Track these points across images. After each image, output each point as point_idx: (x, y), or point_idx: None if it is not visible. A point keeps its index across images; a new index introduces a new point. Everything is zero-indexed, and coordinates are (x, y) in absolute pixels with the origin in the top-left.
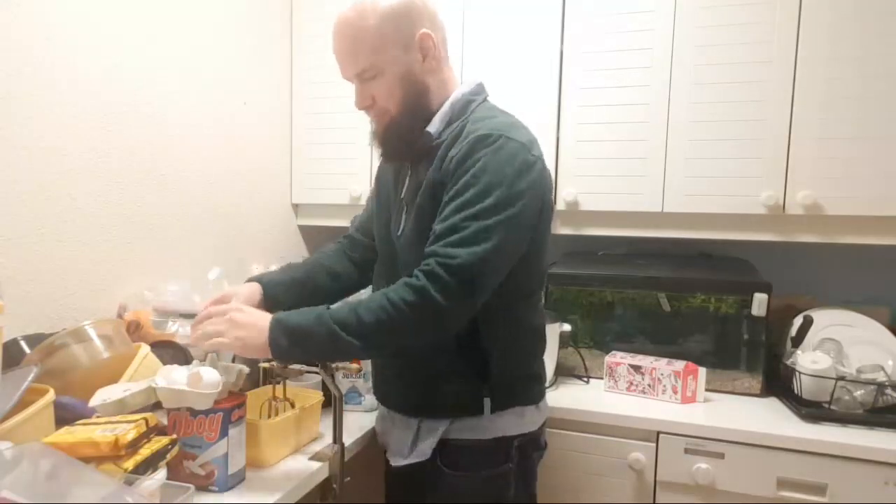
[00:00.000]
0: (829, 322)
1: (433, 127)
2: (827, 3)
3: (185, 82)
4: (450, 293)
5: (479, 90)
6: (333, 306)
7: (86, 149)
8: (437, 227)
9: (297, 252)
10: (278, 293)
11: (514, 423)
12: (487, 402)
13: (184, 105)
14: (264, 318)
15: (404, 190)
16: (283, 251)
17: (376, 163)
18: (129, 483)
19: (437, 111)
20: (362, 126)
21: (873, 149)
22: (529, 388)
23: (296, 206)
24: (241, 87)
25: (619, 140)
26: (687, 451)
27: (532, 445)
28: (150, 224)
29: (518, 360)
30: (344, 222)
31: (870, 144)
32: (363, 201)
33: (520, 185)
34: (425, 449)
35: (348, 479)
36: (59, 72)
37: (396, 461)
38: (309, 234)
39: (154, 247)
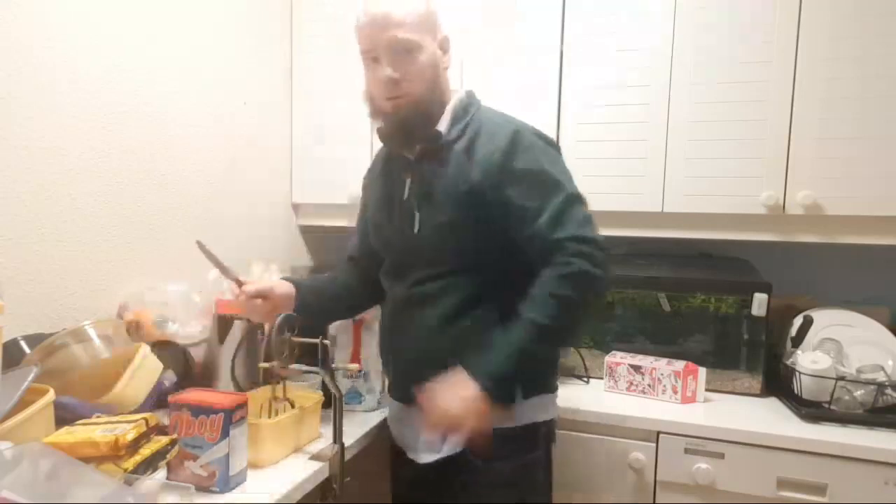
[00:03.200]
0: (829, 322)
1: (442, 126)
2: (827, 3)
3: (185, 82)
4: (599, 262)
5: (474, 95)
6: (513, 335)
7: (86, 149)
8: (541, 219)
9: (297, 252)
10: (311, 300)
11: (540, 409)
12: (518, 389)
13: (184, 105)
14: (476, 397)
15: (406, 192)
16: (283, 251)
17: None
18: (129, 483)
19: (438, 112)
20: (362, 126)
21: (873, 149)
22: (552, 376)
23: (296, 206)
24: (241, 87)
25: (619, 140)
26: (687, 451)
27: (553, 433)
28: (150, 224)
29: None
30: (344, 222)
31: (870, 144)
32: None
33: (560, 164)
34: (455, 441)
35: (348, 479)
36: (59, 72)
37: (427, 457)
38: (309, 234)
39: (154, 247)
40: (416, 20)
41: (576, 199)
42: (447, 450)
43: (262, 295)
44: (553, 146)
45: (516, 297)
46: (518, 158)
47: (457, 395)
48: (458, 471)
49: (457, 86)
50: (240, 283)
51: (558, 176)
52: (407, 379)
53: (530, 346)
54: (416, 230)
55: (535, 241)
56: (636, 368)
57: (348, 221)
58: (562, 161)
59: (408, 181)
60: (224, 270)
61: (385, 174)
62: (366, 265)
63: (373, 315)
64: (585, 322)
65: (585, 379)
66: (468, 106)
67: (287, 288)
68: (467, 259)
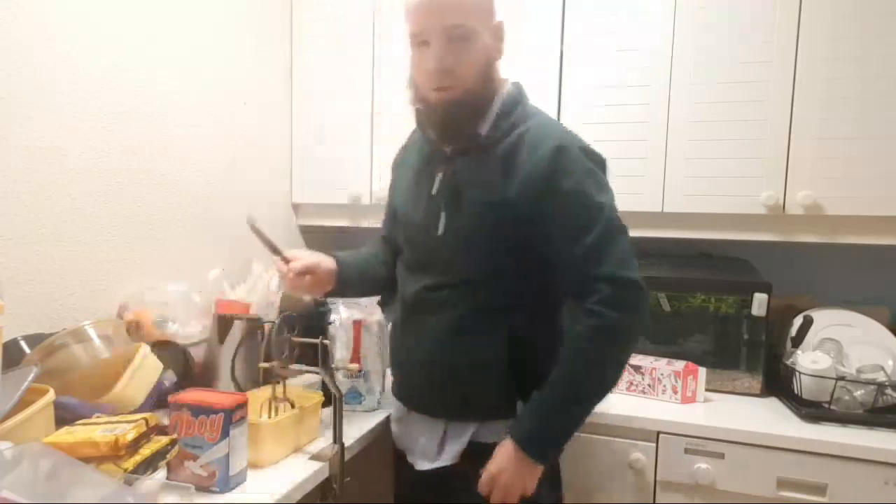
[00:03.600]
0: (829, 322)
1: (485, 127)
2: (827, 3)
3: (185, 82)
4: (634, 308)
5: (521, 89)
6: (550, 391)
7: (86, 149)
8: (577, 250)
9: None
10: (351, 277)
11: None
12: (520, 404)
13: (184, 105)
14: (521, 461)
15: (436, 187)
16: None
17: (376, 163)
18: (129, 483)
19: (488, 105)
20: (362, 126)
21: (873, 149)
22: None
23: (296, 206)
24: (241, 87)
25: (619, 140)
26: (687, 451)
27: None
28: (150, 224)
29: (552, 360)
30: (344, 222)
31: (870, 144)
32: (363, 201)
33: (605, 188)
34: (453, 452)
35: (348, 479)
36: (59, 72)
37: (422, 465)
38: (309, 234)
39: (154, 247)
40: (475, 3)
41: (617, 231)
42: (444, 460)
43: (309, 271)
44: (599, 164)
45: (529, 317)
46: (560, 178)
47: (502, 463)
48: (453, 481)
49: None
50: (287, 261)
51: (601, 201)
52: (411, 383)
53: (561, 410)
54: (439, 232)
55: (568, 271)
56: (636, 368)
57: (348, 221)
58: (607, 182)
59: (439, 176)
60: (274, 249)
61: (417, 160)
62: (395, 246)
63: (372, 316)
64: (618, 377)
65: None
66: (515, 103)
67: (330, 264)
68: (487, 271)
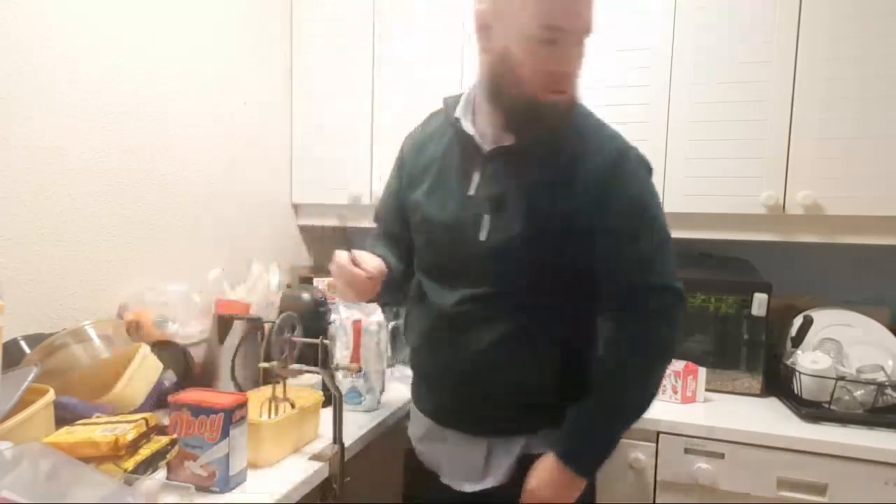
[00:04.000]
0: (829, 322)
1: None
2: (827, 3)
3: (185, 82)
4: (679, 319)
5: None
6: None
7: (86, 149)
8: (633, 259)
9: (297, 252)
10: (396, 277)
11: None
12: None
13: (184, 105)
14: (564, 476)
15: (474, 187)
16: (283, 251)
17: (376, 163)
18: (129, 483)
19: None
20: (362, 126)
21: (873, 149)
22: None
23: (296, 206)
24: (241, 87)
25: None
26: (687, 451)
27: None
28: (150, 224)
29: (589, 368)
30: (344, 222)
31: (870, 144)
32: (363, 201)
33: (656, 196)
34: (503, 470)
35: (348, 479)
36: (59, 72)
37: (467, 486)
38: (309, 234)
39: (154, 247)
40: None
41: (667, 240)
42: (492, 480)
43: (378, 276)
44: (650, 173)
45: (575, 326)
46: (621, 185)
47: (544, 478)
48: (502, 501)
49: (456, 86)
50: (356, 262)
51: (656, 212)
52: (450, 402)
53: (607, 423)
54: (482, 237)
55: (619, 280)
56: None
57: (348, 221)
58: (657, 192)
59: (476, 175)
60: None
61: (441, 155)
62: (407, 244)
63: (372, 316)
64: (661, 381)
65: None
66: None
67: (384, 269)
68: (538, 281)
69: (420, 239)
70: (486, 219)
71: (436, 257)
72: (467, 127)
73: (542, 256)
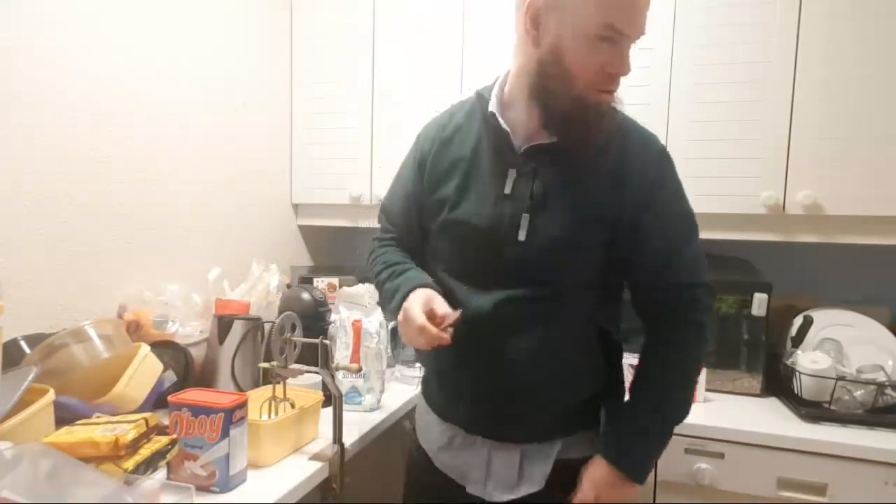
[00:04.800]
0: (829, 322)
1: None
2: (827, 3)
3: (186, 82)
4: (709, 311)
5: None
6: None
7: (86, 149)
8: (677, 261)
9: (297, 252)
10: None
11: None
12: (603, 413)
13: (184, 105)
14: (621, 483)
15: (510, 186)
16: (283, 251)
17: (376, 163)
18: (129, 483)
19: None
20: (362, 126)
21: (873, 149)
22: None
23: (296, 206)
24: (241, 87)
25: None
26: (687, 451)
27: None
28: (150, 224)
29: (621, 367)
30: (344, 222)
31: (870, 144)
32: (363, 201)
33: (683, 188)
34: (538, 476)
35: (348, 479)
36: (60, 72)
37: (500, 496)
38: (309, 234)
39: (154, 247)
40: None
41: (699, 235)
42: (528, 487)
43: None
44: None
45: (612, 328)
46: (667, 185)
47: (600, 486)
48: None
49: (456, 87)
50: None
51: (691, 210)
52: (484, 410)
53: (661, 426)
54: (521, 237)
55: (662, 280)
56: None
57: (348, 221)
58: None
59: (512, 173)
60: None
61: (472, 152)
62: (410, 245)
63: (373, 316)
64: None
65: None
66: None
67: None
68: (579, 283)
69: (444, 239)
70: (526, 218)
71: (466, 258)
72: (503, 123)
73: (585, 256)
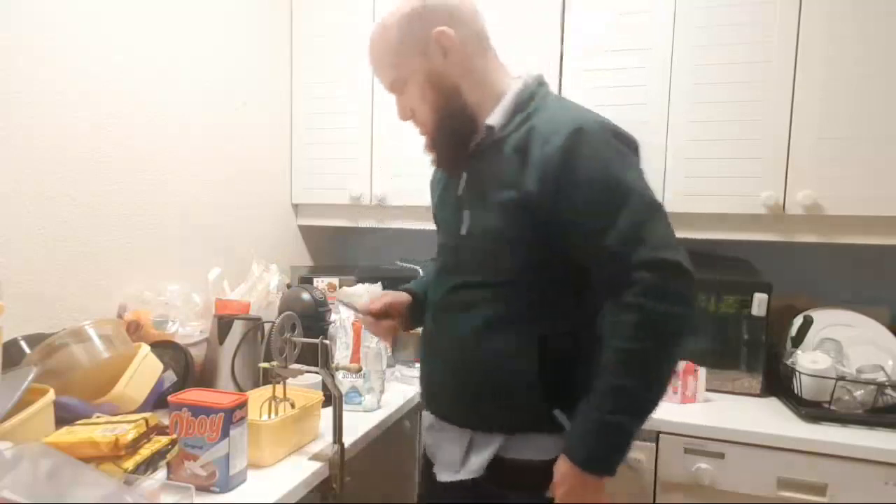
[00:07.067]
0: (829, 322)
1: (494, 119)
2: (827, 3)
3: (186, 82)
4: (678, 296)
5: (542, 81)
6: (594, 399)
7: (86, 149)
8: (608, 239)
9: (297, 252)
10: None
11: None
12: (561, 415)
13: (184, 105)
14: (587, 481)
15: (461, 187)
16: (283, 251)
17: (376, 163)
18: (129, 483)
19: (485, 106)
20: (362, 126)
21: (873, 149)
22: None
23: (296, 206)
24: (241, 87)
25: None
26: (687, 451)
27: None
28: (150, 224)
29: (592, 367)
30: (344, 222)
31: (870, 144)
32: (363, 201)
33: (633, 166)
34: (476, 465)
35: (348, 479)
36: (60, 72)
37: (443, 476)
38: (309, 234)
39: (154, 247)
40: (391, 55)
41: (651, 209)
42: (466, 473)
43: (385, 314)
44: (628, 143)
45: (564, 319)
46: (580, 163)
47: (567, 483)
48: (478, 497)
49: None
50: (369, 312)
51: (630, 182)
52: (437, 390)
53: (612, 417)
54: (463, 232)
55: (602, 263)
56: None
57: (348, 221)
58: (637, 163)
59: (464, 175)
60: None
61: None
62: None
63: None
64: (672, 372)
65: None
66: (533, 94)
67: (405, 298)
68: (511, 271)
69: (438, 241)
70: (466, 214)
71: (440, 256)
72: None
73: (514, 246)
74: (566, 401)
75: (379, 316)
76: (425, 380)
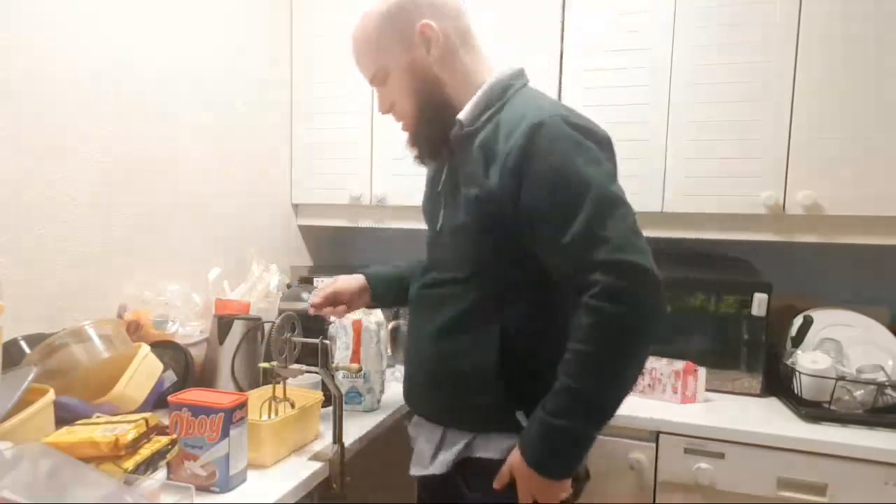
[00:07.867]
0: (829, 322)
1: (463, 114)
2: (827, 3)
3: (186, 82)
4: (640, 299)
5: (519, 75)
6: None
7: (86, 149)
8: (566, 237)
9: (297, 252)
10: (380, 288)
11: None
12: (522, 416)
13: (184, 105)
14: (543, 482)
15: (441, 183)
16: (283, 251)
17: (376, 163)
18: (129, 483)
19: (465, 101)
20: (362, 126)
21: (873, 149)
22: None
23: (296, 206)
24: (242, 87)
25: (619, 140)
26: (687, 451)
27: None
28: (150, 224)
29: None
30: (344, 222)
31: (869, 144)
32: (363, 201)
33: (596, 161)
34: (444, 462)
35: (348, 479)
36: (61, 72)
37: (414, 470)
38: (309, 234)
39: (154, 247)
40: (373, 47)
41: (612, 205)
42: (434, 468)
43: (331, 302)
44: (593, 137)
45: (529, 317)
46: (538, 158)
47: (524, 484)
48: (447, 493)
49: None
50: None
51: (591, 177)
52: (410, 385)
53: (560, 421)
54: (437, 227)
55: (562, 263)
56: None
57: (348, 221)
58: (602, 157)
59: (445, 170)
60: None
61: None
62: None
63: (372, 316)
64: (634, 376)
65: None
66: (506, 88)
67: (356, 283)
68: (476, 268)
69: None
70: (441, 211)
71: (427, 249)
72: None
73: (478, 242)
74: (533, 401)
75: (323, 306)
76: (404, 375)
